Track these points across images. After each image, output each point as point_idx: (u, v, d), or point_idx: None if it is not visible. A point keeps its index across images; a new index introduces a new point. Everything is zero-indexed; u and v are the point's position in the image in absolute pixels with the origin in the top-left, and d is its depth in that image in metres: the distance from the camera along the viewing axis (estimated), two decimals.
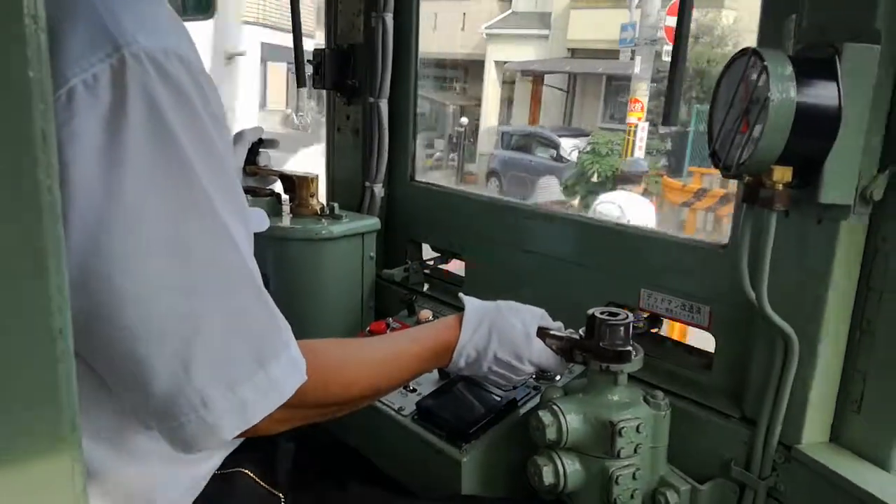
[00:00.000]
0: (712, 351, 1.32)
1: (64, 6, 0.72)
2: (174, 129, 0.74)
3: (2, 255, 0.43)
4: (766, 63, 0.91)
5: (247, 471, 1.09)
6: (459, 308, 1.70)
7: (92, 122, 0.70)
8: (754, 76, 0.94)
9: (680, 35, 1.22)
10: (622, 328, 1.12)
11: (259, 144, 1.85)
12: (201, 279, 0.79)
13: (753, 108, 0.93)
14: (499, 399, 1.31)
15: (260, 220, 1.49)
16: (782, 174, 0.94)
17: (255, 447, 1.10)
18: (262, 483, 1.09)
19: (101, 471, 0.88)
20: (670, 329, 1.50)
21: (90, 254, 0.72)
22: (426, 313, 1.70)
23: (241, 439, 1.06)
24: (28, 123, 0.44)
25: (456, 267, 2.02)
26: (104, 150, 0.71)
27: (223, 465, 1.05)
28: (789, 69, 0.91)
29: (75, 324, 0.47)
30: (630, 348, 1.12)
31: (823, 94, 0.93)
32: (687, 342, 1.44)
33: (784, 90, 0.90)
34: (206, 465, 1.01)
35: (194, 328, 0.78)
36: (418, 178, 2.04)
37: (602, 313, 1.14)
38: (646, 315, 1.40)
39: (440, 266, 2.03)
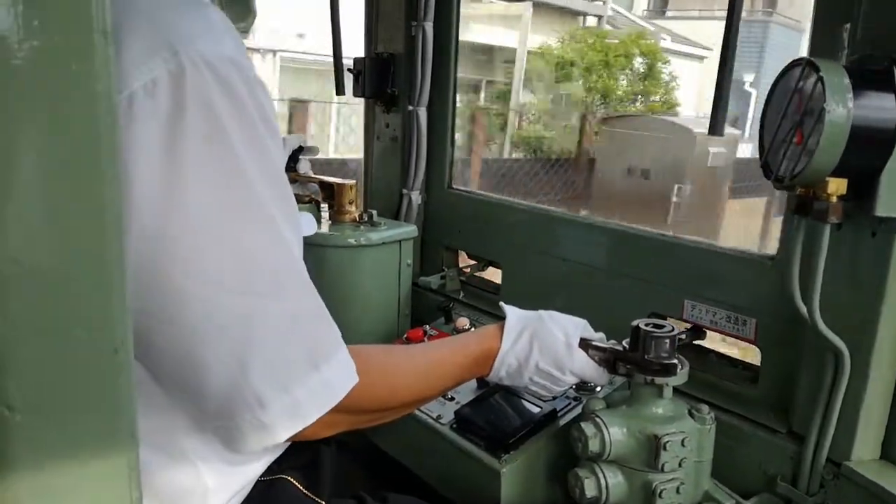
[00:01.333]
0: (757, 363, 1.30)
1: (122, 13, 0.73)
2: (231, 135, 0.75)
3: (66, 269, 0.45)
4: (821, 74, 0.90)
5: (290, 477, 1.10)
6: (496, 316, 1.71)
7: (151, 126, 0.72)
8: (809, 87, 0.92)
9: (728, 38, 1.21)
10: (668, 341, 1.11)
11: (299, 151, 1.87)
12: (257, 280, 0.80)
13: (808, 119, 0.92)
14: (538, 409, 1.31)
15: (308, 224, 1.50)
16: (837, 186, 0.93)
17: (297, 454, 1.11)
18: (304, 490, 1.10)
19: (154, 476, 0.89)
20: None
21: (150, 254, 0.74)
22: (463, 321, 1.70)
23: (286, 445, 1.07)
24: (96, 138, 0.44)
25: (492, 275, 2.02)
26: (163, 154, 0.72)
27: (267, 472, 1.05)
28: (846, 80, 0.90)
29: (134, 324, 0.48)
30: (676, 361, 1.10)
31: (880, 105, 0.91)
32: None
33: (841, 102, 0.89)
34: (252, 470, 1.01)
35: (251, 329, 0.79)
36: (455, 185, 2.04)
37: (647, 325, 1.13)
38: (689, 326, 1.39)
39: (477, 273, 2.03)
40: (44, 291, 0.44)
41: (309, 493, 1.09)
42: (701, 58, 18.27)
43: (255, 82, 0.79)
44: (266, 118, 0.79)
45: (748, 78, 17.44)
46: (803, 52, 1.25)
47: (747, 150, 12.40)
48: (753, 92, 17.24)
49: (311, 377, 0.83)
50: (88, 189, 0.45)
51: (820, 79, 0.90)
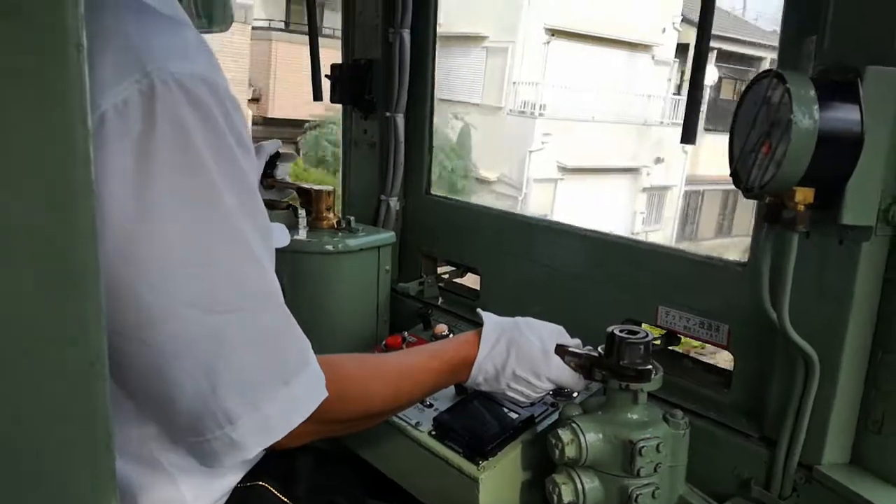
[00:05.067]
0: (730, 369, 1.32)
1: (94, 32, 0.73)
2: (201, 153, 0.76)
3: (39, 282, 0.44)
4: (788, 85, 0.92)
5: (267, 484, 1.09)
6: (475, 322, 1.71)
7: (122, 146, 0.72)
8: (776, 98, 0.94)
9: (700, 45, 1.23)
10: (642, 346, 1.12)
11: (276, 157, 1.86)
12: (225, 297, 0.80)
13: (776, 129, 0.94)
14: (516, 416, 1.31)
15: (281, 235, 1.50)
16: (804, 195, 0.95)
17: (274, 461, 1.11)
18: (281, 497, 1.09)
19: (130, 487, 0.88)
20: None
21: (118, 269, 0.74)
22: (442, 327, 1.70)
23: (263, 453, 1.07)
24: (71, 148, 0.44)
25: (471, 281, 2.03)
26: (133, 174, 0.72)
27: (244, 479, 1.05)
28: (812, 92, 0.91)
29: None
30: (650, 367, 1.11)
31: (846, 117, 0.93)
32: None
33: (807, 113, 0.90)
34: (229, 478, 1.02)
35: (219, 345, 0.80)
36: (433, 191, 2.05)
37: (621, 331, 1.14)
38: (662, 332, 1.40)
39: (455, 280, 2.03)
40: (17, 305, 0.44)
41: (286, 500, 1.09)
42: None
43: (228, 99, 0.79)
44: (239, 135, 0.80)
45: None
46: None
47: None
48: None
49: (279, 392, 0.84)
50: (62, 201, 0.45)
51: (787, 90, 0.92)
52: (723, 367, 1.37)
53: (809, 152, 0.91)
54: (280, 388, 0.84)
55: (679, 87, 20.02)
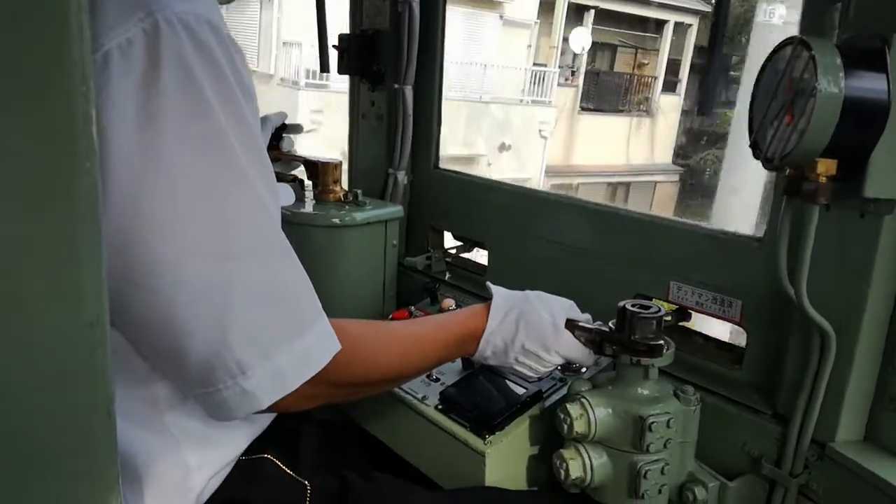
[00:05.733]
0: (741, 345, 1.30)
1: None
2: (207, 95, 0.75)
3: (39, 243, 0.43)
4: (813, 53, 0.89)
5: (271, 456, 1.08)
6: (481, 297, 1.70)
7: (127, 86, 0.71)
8: (800, 66, 0.91)
9: (718, 16, 1.20)
10: (654, 321, 1.10)
11: (283, 129, 1.84)
12: (237, 245, 0.79)
13: (799, 99, 0.91)
14: (524, 390, 1.30)
15: (286, 194, 1.48)
16: (827, 167, 0.92)
17: (279, 433, 1.10)
18: (286, 469, 1.09)
19: (135, 455, 0.88)
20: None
21: (127, 218, 0.73)
22: (449, 302, 1.69)
23: (267, 423, 1.06)
24: (70, 107, 0.43)
25: (478, 256, 2.01)
26: (139, 115, 0.71)
27: (248, 451, 1.04)
28: (838, 60, 0.89)
29: (112, 291, 0.47)
30: (662, 342, 1.10)
31: (872, 86, 0.90)
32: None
33: (832, 81, 0.88)
34: (233, 447, 1.01)
35: (230, 294, 0.78)
36: (442, 165, 2.02)
37: (633, 305, 1.12)
38: (674, 307, 1.38)
39: (462, 255, 2.02)
40: (13, 265, 0.42)
41: (290, 472, 1.08)
42: None
43: (231, 44, 0.78)
44: (241, 81, 0.79)
45: None
46: None
47: None
48: None
49: (293, 344, 0.82)
50: (62, 160, 0.43)
51: (812, 57, 0.89)
52: (734, 343, 1.35)
53: (834, 122, 0.89)
54: (293, 339, 0.82)
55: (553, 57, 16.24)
